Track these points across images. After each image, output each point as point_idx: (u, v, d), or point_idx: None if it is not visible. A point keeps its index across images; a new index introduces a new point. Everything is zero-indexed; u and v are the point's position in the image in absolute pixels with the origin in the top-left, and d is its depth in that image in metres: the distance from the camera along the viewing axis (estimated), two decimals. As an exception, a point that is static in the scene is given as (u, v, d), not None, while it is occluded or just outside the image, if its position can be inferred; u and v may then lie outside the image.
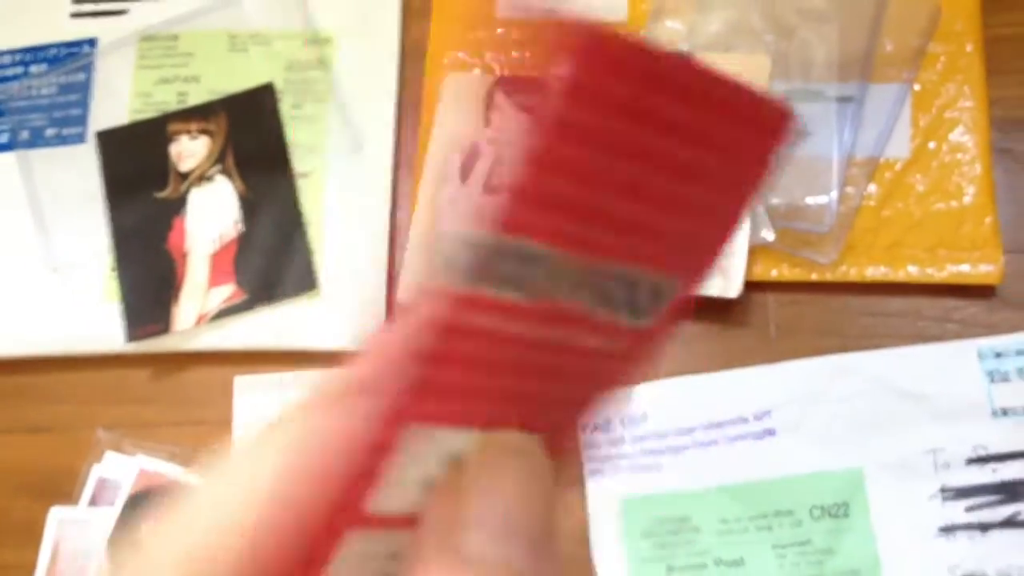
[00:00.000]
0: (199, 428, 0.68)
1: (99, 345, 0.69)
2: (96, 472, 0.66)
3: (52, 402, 0.70)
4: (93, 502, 0.65)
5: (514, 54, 0.71)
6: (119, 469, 0.66)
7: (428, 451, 0.19)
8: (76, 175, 0.72)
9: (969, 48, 0.66)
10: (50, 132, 0.73)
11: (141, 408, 0.69)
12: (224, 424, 0.67)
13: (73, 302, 0.70)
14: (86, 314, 0.69)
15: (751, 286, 0.64)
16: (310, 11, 0.73)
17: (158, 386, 0.69)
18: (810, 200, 0.64)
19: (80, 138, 0.73)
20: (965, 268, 0.63)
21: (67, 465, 0.67)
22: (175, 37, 0.74)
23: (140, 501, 0.65)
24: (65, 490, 0.66)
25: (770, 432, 0.62)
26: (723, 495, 0.61)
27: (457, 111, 0.69)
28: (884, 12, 0.66)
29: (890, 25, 0.66)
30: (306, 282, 0.68)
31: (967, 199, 0.64)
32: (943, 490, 0.60)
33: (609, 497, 0.62)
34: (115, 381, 0.70)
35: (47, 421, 0.69)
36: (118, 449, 0.67)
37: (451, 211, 0.67)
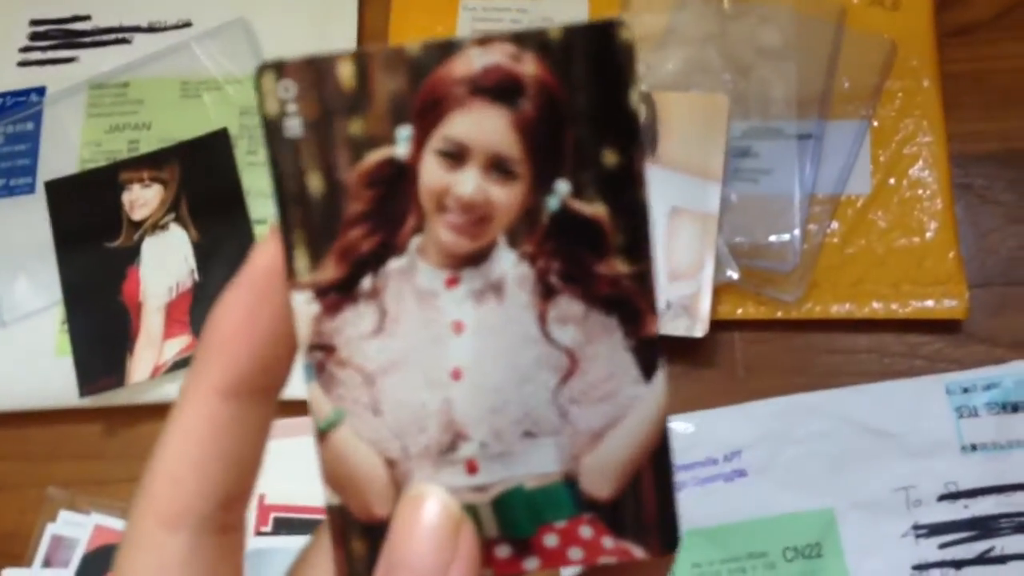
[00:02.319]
0: (156, 484, 0.67)
1: (51, 400, 0.68)
2: (50, 531, 0.65)
3: (1, 459, 0.69)
4: (47, 563, 0.64)
5: (473, 95, 0.72)
6: (74, 527, 0.65)
7: None
8: (25, 227, 0.71)
9: (926, 84, 0.68)
10: (-2, 183, 0.72)
11: (95, 464, 0.68)
12: (182, 479, 0.66)
13: (24, 356, 0.69)
14: (37, 368, 0.69)
15: (717, 325, 0.64)
16: (263, 54, 0.74)
17: (113, 441, 0.69)
18: (773, 238, 0.65)
19: (29, 188, 0.72)
20: (929, 303, 0.64)
21: (19, 525, 0.66)
22: (125, 84, 0.74)
23: (97, 560, 0.64)
24: (17, 551, 0.65)
25: (740, 473, 0.62)
26: (695, 539, 0.61)
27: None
28: (840, 50, 0.68)
29: (847, 63, 0.68)
30: (264, 331, 0.68)
31: (929, 234, 0.65)
32: (916, 528, 0.60)
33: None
34: (68, 437, 0.69)
35: (-3, 480, 0.68)
36: (72, 507, 0.65)
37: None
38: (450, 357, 0.25)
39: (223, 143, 0.72)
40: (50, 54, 0.76)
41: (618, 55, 0.23)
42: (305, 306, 0.25)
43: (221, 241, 0.70)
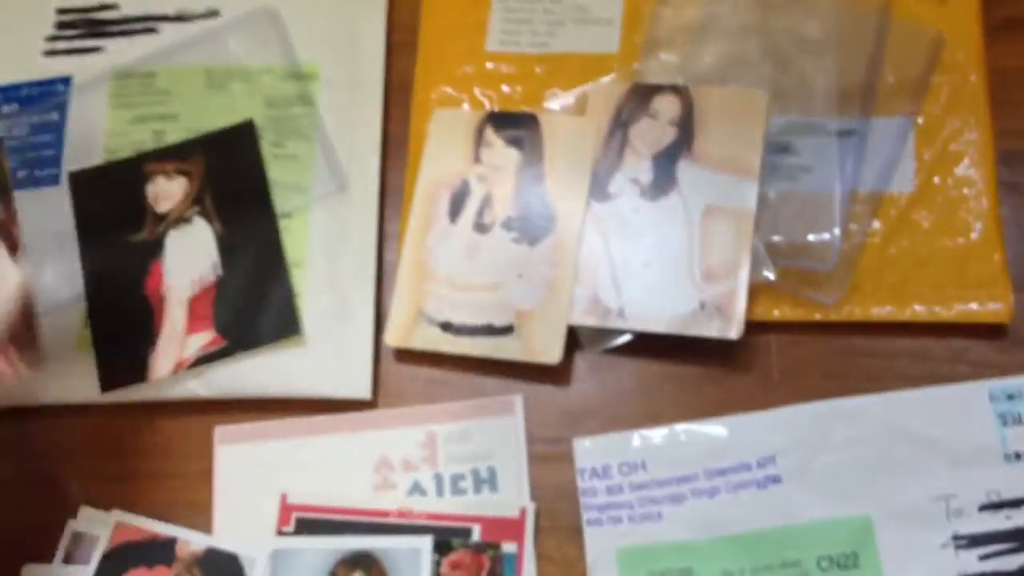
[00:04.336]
0: (178, 480, 0.69)
1: (73, 395, 0.70)
2: (70, 527, 0.67)
3: (23, 455, 0.71)
4: (68, 559, 0.66)
5: (504, 88, 0.73)
6: (95, 524, 0.66)
7: None
8: (49, 218, 0.73)
9: (973, 79, 0.68)
10: (22, 174, 0.74)
11: (117, 461, 0.70)
12: (205, 475, 0.68)
13: (47, 352, 0.70)
14: (59, 363, 0.70)
15: (753, 327, 0.65)
16: (292, 45, 0.75)
17: (135, 437, 0.70)
18: (812, 237, 0.66)
19: (54, 180, 0.74)
20: (974, 307, 0.65)
21: (40, 521, 0.67)
22: (151, 74, 0.76)
23: (117, 557, 0.65)
24: (38, 547, 0.66)
25: (775, 479, 0.63)
26: (726, 545, 0.62)
27: (445, 148, 0.71)
28: (884, 43, 0.68)
29: (891, 56, 0.68)
30: (289, 327, 0.69)
31: (974, 235, 0.66)
32: (956, 538, 0.61)
33: (607, 549, 0.63)
34: (90, 432, 0.70)
35: (18, 475, 0.70)
36: (93, 503, 0.67)
37: (440, 251, 0.69)
38: None
39: (249, 135, 0.73)
40: (76, 43, 0.78)
41: None
42: None
43: (245, 235, 0.71)
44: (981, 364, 0.65)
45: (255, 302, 0.70)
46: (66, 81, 0.76)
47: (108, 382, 0.69)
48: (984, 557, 0.61)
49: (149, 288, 0.71)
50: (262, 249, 0.71)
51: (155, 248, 0.71)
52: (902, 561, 0.61)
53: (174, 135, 0.74)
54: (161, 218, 0.72)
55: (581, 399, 0.68)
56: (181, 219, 0.72)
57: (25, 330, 0.58)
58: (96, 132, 0.75)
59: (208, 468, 0.68)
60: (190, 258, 0.71)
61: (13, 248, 0.57)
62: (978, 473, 0.62)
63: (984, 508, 0.61)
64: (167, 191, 0.73)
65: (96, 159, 0.74)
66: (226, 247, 0.71)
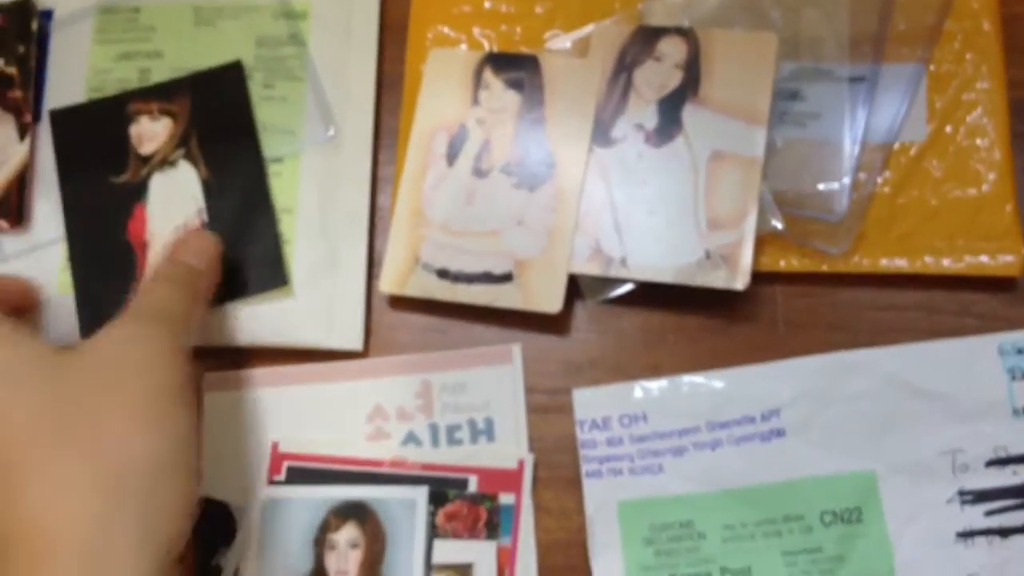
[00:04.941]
0: (162, 430, 0.68)
1: (53, 339, 0.69)
2: (53, 475, 0.66)
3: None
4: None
5: (503, 28, 0.72)
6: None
7: None
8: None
9: (987, 26, 0.68)
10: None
11: (99, 408, 0.69)
12: (189, 425, 0.67)
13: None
14: (40, 304, 0.69)
15: (758, 277, 0.65)
16: (282, -18, 0.74)
17: (118, 385, 0.69)
18: (821, 187, 0.65)
19: (35, 117, 0.72)
20: (984, 259, 0.64)
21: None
22: (137, 9, 0.74)
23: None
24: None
25: (778, 433, 0.63)
26: (728, 499, 0.62)
27: (442, 90, 0.70)
28: (897, -12, 0.68)
29: (903, 2, 0.68)
30: (276, 275, 0.68)
31: (986, 186, 0.66)
32: (961, 493, 0.61)
33: (607, 501, 0.63)
34: (72, 378, 0.69)
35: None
36: (76, 451, 0.67)
37: (437, 197, 0.68)
38: None
39: (237, 75, 0.72)
40: (57, -26, 0.76)
41: None
42: None
43: (232, 180, 0.70)
44: (991, 317, 0.65)
45: (241, 250, 0.69)
46: (47, 14, 0.75)
47: (89, 327, 0.68)
48: (990, 513, 0.61)
49: (132, 232, 0.70)
50: (249, 195, 0.70)
51: (139, 191, 0.70)
52: (906, 516, 0.61)
53: (160, 74, 0.73)
54: (145, 160, 0.71)
55: (581, 349, 0.67)
56: (166, 162, 0.71)
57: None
58: (78, 69, 0.74)
59: (194, 416, 0.67)
60: (174, 203, 0.70)
61: (23, 132, 0.68)
62: (986, 428, 0.62)
63: (991, 463, 0.61)
64: (151, 132, 0.71)
65: (79, 96, 0.73)
66: (212, 192, 0.70)
